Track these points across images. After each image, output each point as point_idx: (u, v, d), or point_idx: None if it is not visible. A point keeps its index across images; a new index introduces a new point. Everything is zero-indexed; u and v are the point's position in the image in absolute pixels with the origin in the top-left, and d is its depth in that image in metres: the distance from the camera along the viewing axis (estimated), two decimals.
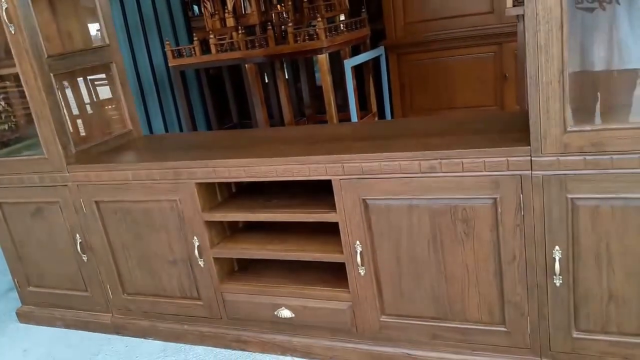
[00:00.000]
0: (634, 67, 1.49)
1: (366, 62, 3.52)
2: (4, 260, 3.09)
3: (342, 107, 3.48)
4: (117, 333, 2.15)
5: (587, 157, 1.29)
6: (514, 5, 2.42)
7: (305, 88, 3.73)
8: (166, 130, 4.18)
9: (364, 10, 3.56)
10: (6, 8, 1.71)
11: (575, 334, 1.45)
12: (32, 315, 2.33)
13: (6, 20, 1.72)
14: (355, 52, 3.55)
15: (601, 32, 1.49)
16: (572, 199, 1.33)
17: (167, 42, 3.78)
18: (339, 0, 3.47)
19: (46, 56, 1.82)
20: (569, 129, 1.29)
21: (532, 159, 1.34)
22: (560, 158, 1.31)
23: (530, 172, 1.35)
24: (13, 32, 1.73)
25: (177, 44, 4.20)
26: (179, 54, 3.69)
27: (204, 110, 4.36)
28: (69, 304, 2.22)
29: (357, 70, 3.50)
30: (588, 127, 1.28)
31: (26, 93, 1.84)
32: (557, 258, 1.38)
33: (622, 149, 1.26)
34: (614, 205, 1.31)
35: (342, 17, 3.45)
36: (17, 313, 2.37)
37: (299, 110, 4.05)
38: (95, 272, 2.08)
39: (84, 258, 2.07)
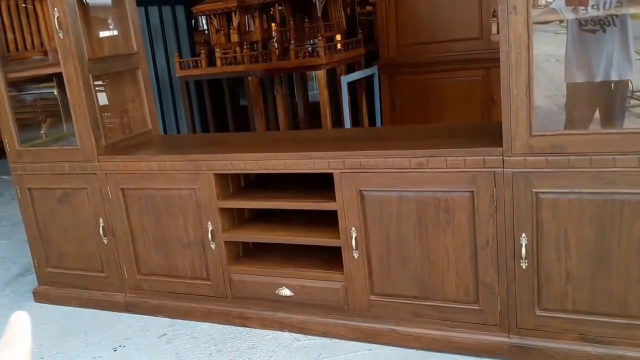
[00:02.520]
0: (621, 78, 1.77)
1: (360, 80, 3.82)
2: (14, 248, 3.29)
3: (336, 123, 3.75)
4: (129, 311, 2.34)
5: (549, 158, 1.56)
6: (497, 32, 2.73)
7: (300, 103, 4.01)
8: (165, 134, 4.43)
9: (359, 31, 3.87)
10: (57, 16, 1.96)
11: (538, 312, 1.69)
12: (48, 294, 2.51)
13: (57, 27, 1.97)
14: (350, 70, 3.84)
15: (600, 50, 1.79)
16: (536, 192, 1.59)
17: (177, 54, 4.07)
18: (337, 22, 3.79)
19: (87, 59, 2.07)
20: (534, 133, 1.55)
21: (504, 158, 1.60)
22: (527, 158, 1.58)
23: (502, 169, 1.61)
24: (62, 36, 1.99)
25: (181, 56, 4.50)
26: (186, 66, 3.97)
27: (202, 119, 4.62)
28: (85, 284, 2.42)
29: (351, 87, 3.79)
30: (549, 132, 1.55)
31: (67, 90, 2.08)
32: (523, 244, 1.63)
33: (577, 151, 1.53)
34: (570, 198, 1.56)
35: (339, 37, 3.75)
36: (33, 292, 2.56)
37: (293, 125, 4.32)
38: (113, 254, 2.29)
39: (104, 240, 2.27)
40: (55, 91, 2.61)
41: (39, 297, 2.54)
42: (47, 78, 2.58)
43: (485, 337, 1.75)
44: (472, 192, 1.66)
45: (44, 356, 2.11)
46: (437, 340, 1.81)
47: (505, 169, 1.60)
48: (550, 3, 1.74)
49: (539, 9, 1.72)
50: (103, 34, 2.29)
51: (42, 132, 2.73)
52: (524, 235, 1.62)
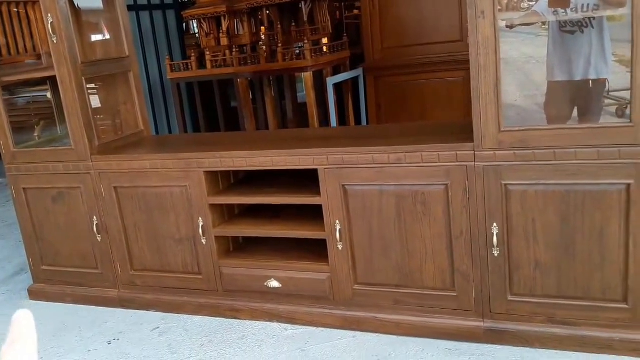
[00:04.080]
0: (599, 77, 1.89)
1: (346, 82, 3.93)
2: (9, 248, 3.35)
3: (323, 123, 3.86)
4: (123, 306, 2.42)
5: (517, 152, 1.67)
6: None
7: (289, 105, 4.11)
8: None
9: (345, 35, 3.99)
10: (51, 22, 2.05)
11: (509, 297, 1.80)
12: (42, 292, 2.58)
13: (50, 32, 2.06)
14: (336, 72, 3.96)
15: (579, 50, 1.91)
16: (505, 184, 1.71)
17: (167, 57, 4.15)
18: (323, 25, 3.90)
19: (80, 62, 2.15)
20: (502, 129, 1.67)
21: (475, 153, 1.72)
22: (496, 152, 1.69)
23: (474, 163, 1.72)
24: (55, 41, 2.07)
25: (172, 59, 4.58)
26: (177, 68, 4.05)
27: (193, 120, 4.70)
28: (79, 281, 2.49)
29: (337, 88, 3.91)
30: (516, 128, 1.66)
31: (61, 93, 2.16)
32: (495, 233, 1.74)
33: (542, 145, 1.64)
34: (537, 189, 1.68)
35: (325, 40, 3.86)
36: (28, 290, 2.62)
37: (282, 125, 4.42)
38: (107, 250, 2.37)
39: (98, 238, 2.35)
40: (48, 94, 2.68)
41: (34, 295, 2.60)
42: (40, 81, 2.65)
43: (461, 322, 1.86)
44: (447, 185, 1.77)
45: (39, 351, 2.18)
46: (416, 326, 1.91)
47: (476, 163, 1.72)
48: (532, 6, 1.86)
49: (521, 11, 1.85)
50: (95, 38, 2.37)
51: (36, 134, 2.80)
52: (495, 225, 1.74)
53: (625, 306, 1.69)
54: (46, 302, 2.56)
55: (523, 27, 1.90)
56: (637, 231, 1.62)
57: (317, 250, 2.07)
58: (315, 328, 2.07)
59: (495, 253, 1.76)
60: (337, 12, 4.54)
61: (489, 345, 1.83)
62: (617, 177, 1.60)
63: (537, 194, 1.68)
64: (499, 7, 1.64)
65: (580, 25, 1.92)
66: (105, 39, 2.38)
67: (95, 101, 2.41)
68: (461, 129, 1.95)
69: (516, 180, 1.69)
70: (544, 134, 1.64)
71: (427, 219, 1.82)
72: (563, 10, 1.79)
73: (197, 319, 2.26)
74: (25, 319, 0.43)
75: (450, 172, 1.75)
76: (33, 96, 2.89)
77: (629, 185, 1.60)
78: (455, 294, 1.86)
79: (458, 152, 1.73)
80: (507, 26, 1.74)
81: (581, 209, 1.66)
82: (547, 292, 1.76)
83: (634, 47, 1.52)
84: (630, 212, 1.61)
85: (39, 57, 2.66)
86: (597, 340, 1.73)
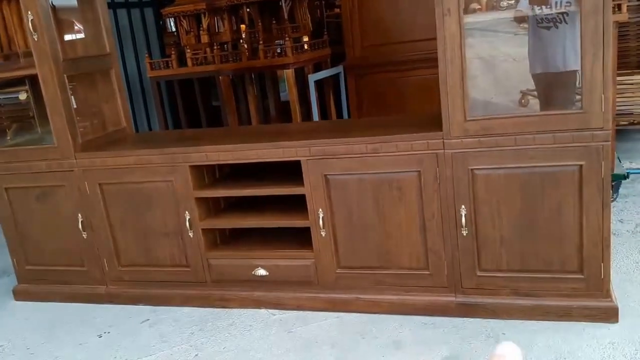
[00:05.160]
0: (572, 69, 2.02)
1: (327, 79, 4.05)
2: None
3: (305, 119, 3.97)
4: (111, 302, 2.47)
5: (481, 139, 1.83)
6: None
7: (271, 102, 4.20)
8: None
9: (325, 33, 4.11)
10: (32, 19, 2.08)
11: (478, 273, 1.96)
12: (28, 292, 2.60)
13: (31, 29, 2.09)
14: (318, 69, 4.07)
15: (555, 44, 2.05)
16: (472, 169, 1.86)
17: (147, 55, 4.16)
18: (304, 24, 4.00)
19: (62, 60, 2.19)
20: (468, 118, 1.82)
21: (444, 141, 1.86)
22: (463, 140, 1.85)
23: (443, 150, 1.87)
24: (36, 39, 2.10)
25: (151, 57, 4.59)
26: (157, 66, 4.07)
27: (174, 119, 4.73)
28: (65, 279, 2.52)
29: (319, 85, 4.02)
30: (480, 117, 1.82)
31: (43, 90, 2.20)
32: (463, 214, 1.90)
33: (503, 132, 1.80)
34: (499, 173, 1.84)
35: (306, 38, 3.97)
36: (13, 291, 2.63)
37: (265, 122, 4.50)
38: (93, 248, 2.41)
39: (83, 235, 2.39)
40: (20, 95, 2.67)
41: (19, 295, 2.62)
42: (11, 83, 2.62)
43: (435, 298, 2.01)
44: (419, 171, 1.91)
45: (29, 347, 2.22)
46: (395, 304, 2.06)
47: (445, 150, 1.87)
48: (512, 5, 1.99)
49: (501, 10, 1.98)
50: (75, 35, 2.40)
51: (8, 137, 2.77)
52: (463, 207, 1.89)
53: (581, 276, 1.87)
54: (32, 302, 2.58)
55: (503, 26, 2.05)
56: (590, 208, 1.80)
57: (301, 238, 2.18)
58: (301, 312, 2.19)
59: (464, 233, 1.92)
60: (318, 11, 4.64)
61: (461, 319, 1.99)
62: (571, 159, 1.78)
63: (500, 177, 1.85)
64: (478, 6, 1.78)
65: (555, 21, 2.07)
66: (86, 37, 2.41)
67: (76, 99, 2.45)
68: (432, 120, 2.09)
69: (481, 165, 1.85)
70: (505, 121, 1.80)
71: (402, 204, 1.96)
72: (539, 8, 1.93)
73: (186, 309, 2.34)
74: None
75: (422, 159, 1.90)
76: (3, 98, 2.86)
77: (581, 166, 1.78)
78: (429, 272, 2.01)
79: (429, 141, 1.88)
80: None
81: (540, 190, 1.83)
82: (512, 267, 1.93)
83: (583, 42, 1.70)
84: (583, 191, 1.79)
85: (6, 57, 2.64)
86: (558, 308, 1.91)
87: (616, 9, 2.60)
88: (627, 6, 2.83)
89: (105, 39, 2.45)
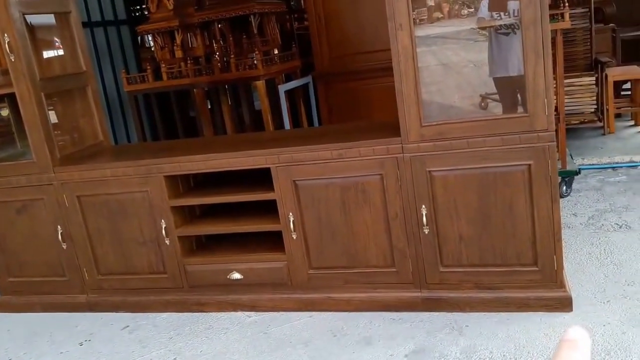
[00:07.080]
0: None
1: (297, 88, 4.19)
2: None
3: (278, 127, 4.09)
4: (92, 310, 2.53)
5: (436, 143, 1.96)
6: None
7: (245, 112, 4.31)
8: None
9: (295, 45, 4.26)
10: (8, 41, 2.16)
11: (441, 269, 2.08)
12: (10, 304, 2.64)
13: (8, 51, 2.17)
14: (288, 80, 4.22)
15: (512, 49, 2.19)
16: (429, 171, 1.99)
17: (123, 71, 4.25)
18: (272, 38, 4.15)
19: (39, 79, 2.27)
20: (423, 124, 1.95)
21: (403, 145, 1.99)
22: (420, 144, 1.97)
23: (402, 154, 2.00)
24: (13, 59, 2.18)
25: (128, 72, 4.68)
26: (134, 81, 4.16)
27: (152, 131, 4.80)
28: (47, 290, 2.57)
29: (291, 95, 4.16)
30: (434, 122, 1.95)
31: (21, 109, 2.27)
32: (424, 213, 2.02)
33: (456, 136, 1.94)
34: (455, 174, 1.97)
35: (276, 51, 4.11)
36: None
37: (240, 131, 4.60)
38: (73, 258, 2.48)
39: (63, 246, 2.46)
40: (1, 112, 2.73)
41: (1, 307, 2.66)
42: None
43: (402, 294, 2.12)
44: (382, 175, 2.03)
45: (11, 357, 2.27)
46: (364, 302, 2.16)
47: (404, 155, 1.99)
48: (472, 13, 2.13)
49: (462, 18, 2.12)
50: (52, 54, 2.48)
51: None
52: (423, 206, 2.02)
53: (536, 268, 2.00)
54: (15, 314, 2.63)
55: (463, 33, 2.19)
56: (540, 204, 1.93)
57: (273, 241, 2.28)
58: (276, 313, 2.28)
59: (426, 231, 2.04)
60: (288, 24, 4.79)
61: (427, 313, 2.10)
62: (520, 159, 1.91)
63: (456, 177, 1.97)
64: (441, 15, 1.92)
65: (512, 28, 2.22)
66: (62, 56, 2.50)
67: (54, 115, 2.52)
68: (393, 126, 2.22)
69: (438, 167, 1.97)
70: (457, 126, 1.94)
71: (367, 206, 2.08)
72: (498, 14, 2.08)
73: (165, 315, 2.42)
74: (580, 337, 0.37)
75: (384, 163, 2.02)
76: None
77: (529, 165, 1.91)
78: (395, 270, 2.12)
79: (389, 146, 2.00)
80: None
81: (493, 188, 1.96)
82: (472, 262, 2.05)
83: (525, 50, 1.84)
84: (533, 188, 1.93)
85: None
86: (516, 300, 2.03)
87: (560, 18, 2.79)
88: (571, 14, 3.03)
89: (80, 58, 2.54)
